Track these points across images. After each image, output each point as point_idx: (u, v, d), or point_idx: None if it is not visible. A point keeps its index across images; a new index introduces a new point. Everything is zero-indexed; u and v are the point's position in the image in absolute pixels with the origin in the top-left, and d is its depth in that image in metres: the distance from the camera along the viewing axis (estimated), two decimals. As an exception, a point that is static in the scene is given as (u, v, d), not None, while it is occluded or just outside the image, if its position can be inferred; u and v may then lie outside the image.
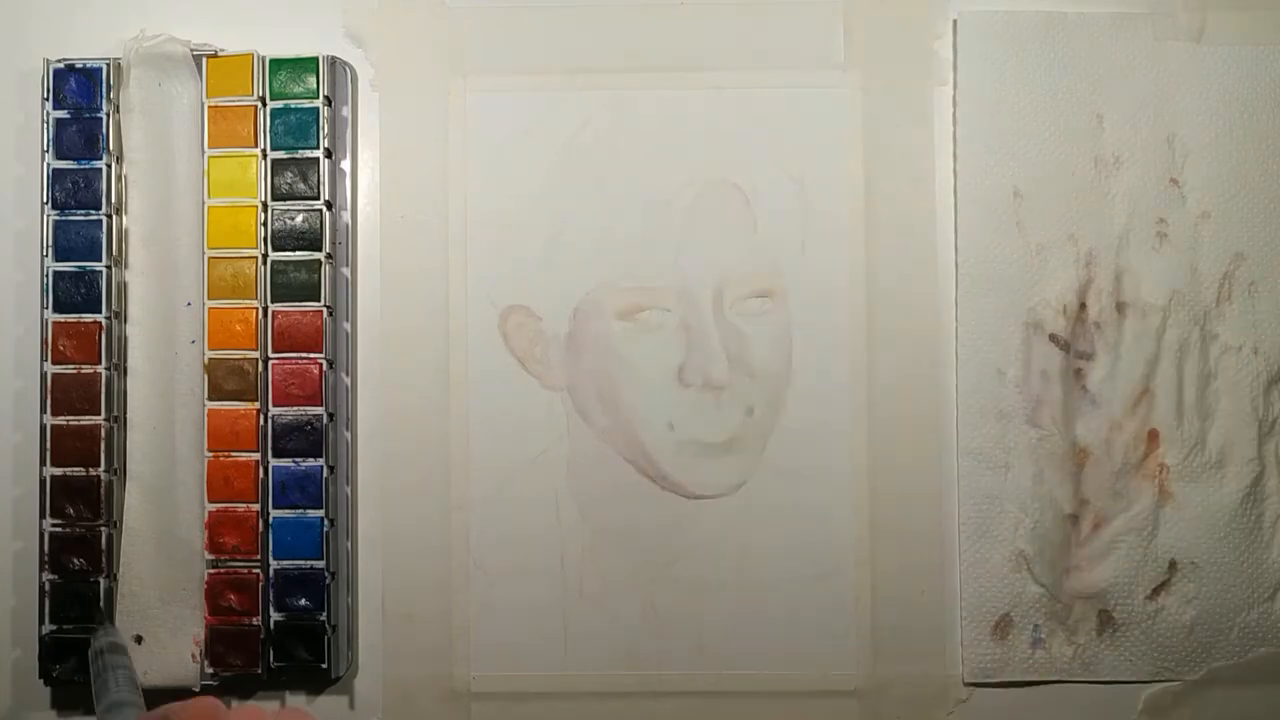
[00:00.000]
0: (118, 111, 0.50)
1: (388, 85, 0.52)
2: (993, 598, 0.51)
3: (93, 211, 0.50)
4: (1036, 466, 0.51)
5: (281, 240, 0.50)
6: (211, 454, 0.49)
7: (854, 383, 0.51)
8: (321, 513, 0.49)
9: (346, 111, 0.52)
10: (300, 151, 0.50)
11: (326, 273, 0.50)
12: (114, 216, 0.50)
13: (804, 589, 0.51)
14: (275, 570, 0.49)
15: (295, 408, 0.49)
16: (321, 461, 0.49)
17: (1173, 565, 0.51)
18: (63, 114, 0.50)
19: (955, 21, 0.52)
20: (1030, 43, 0.52)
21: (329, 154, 0.50)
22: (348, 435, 0.51)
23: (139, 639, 0.49)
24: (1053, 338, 0.51)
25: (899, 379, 0.51)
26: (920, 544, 0.51)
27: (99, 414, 0.49)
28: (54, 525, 0.49)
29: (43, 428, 0.49)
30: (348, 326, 0.52)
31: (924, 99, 0.52)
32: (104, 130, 0.50)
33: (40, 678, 0.49)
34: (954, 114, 0.52)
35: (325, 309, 0.50)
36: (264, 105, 0.50)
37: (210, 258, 0.50)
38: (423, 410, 0.51)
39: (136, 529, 0.49)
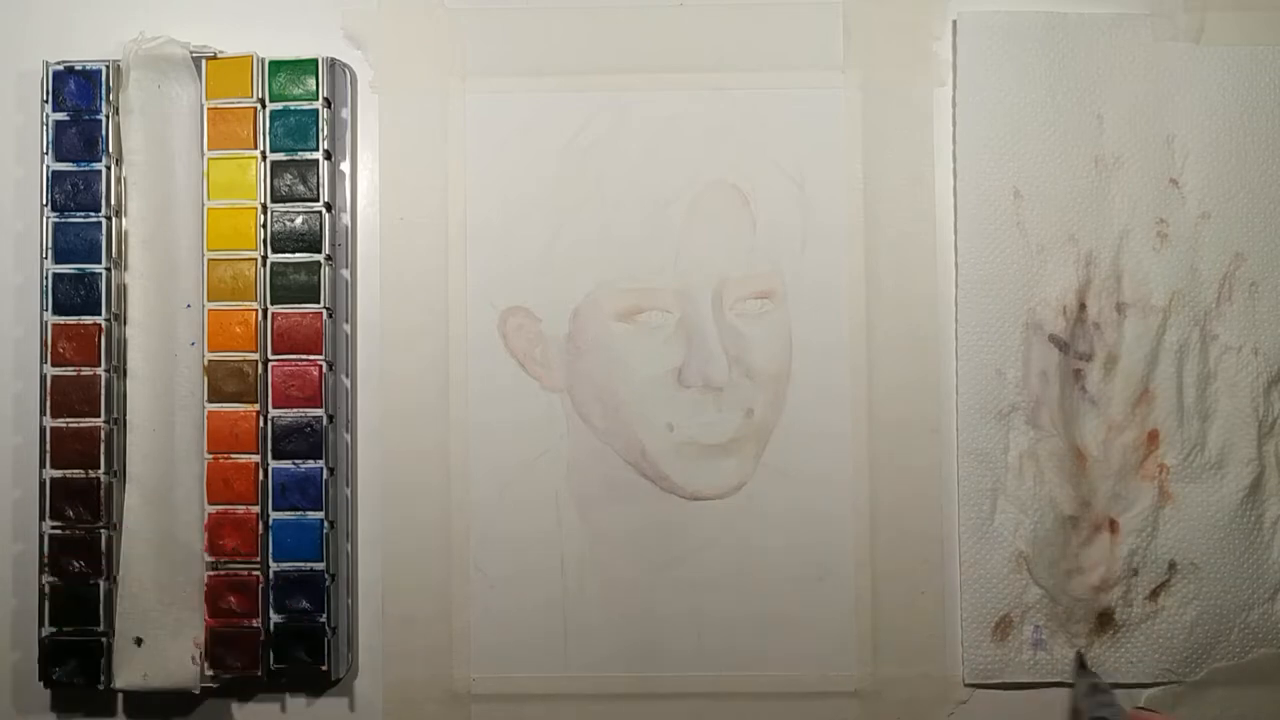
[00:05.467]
0: (117, 113, 0.50)
1: (387, 87, 0.52)
2: (993, 598, 0.51)
3: (92, 213, 0.50)
4: (1036, 467, 0.51)
5: (281, 242, 0.50)
6: (211, 456, 0.49)
7: (854, 383, 0.51)
8: (321, 515, 0.49)
9: (346, 113, 0.52)
10: (300, 153, 0.50)
11: (326, 274, 0.50)
12: (113, 219, 0.50)
13: (804, 589, 0.51)
14: (275, 572, 0.49)
15: (295, 410, 0.49)
16: (321, 463, 0.49)
17: (1173, 566, 0.51)
18: (62, 116, 0.50)
19: (955, 22, 0.52)
20: (1030, 43, 0.51)
21: (328, 156, 0.50)
22: (347, 437, 0.51)
23: (139, 641, 0.49)
24: (1052, 338, 0.51)
25: (899, 379, 0.51)
26: (920, 544, 0.51)
27: (99, 416, 0.49)
28: (54, 527, 0.49)
29: (42, 430, 0.49)
30: (347, 328, 0.52)
31: (924, 99, 0.52)
32: (103, 132, 0.50)
33: (40, 680, 0.49)
34: (954, 114, 0.52)
35: (325, 311, 0.50)
36: (263, 107, 0.50)
37: (210, 260, 0.50)
38: (422, 412, 0.51)
39: (136, 531, 0.49)
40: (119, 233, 0.50)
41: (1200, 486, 0.51)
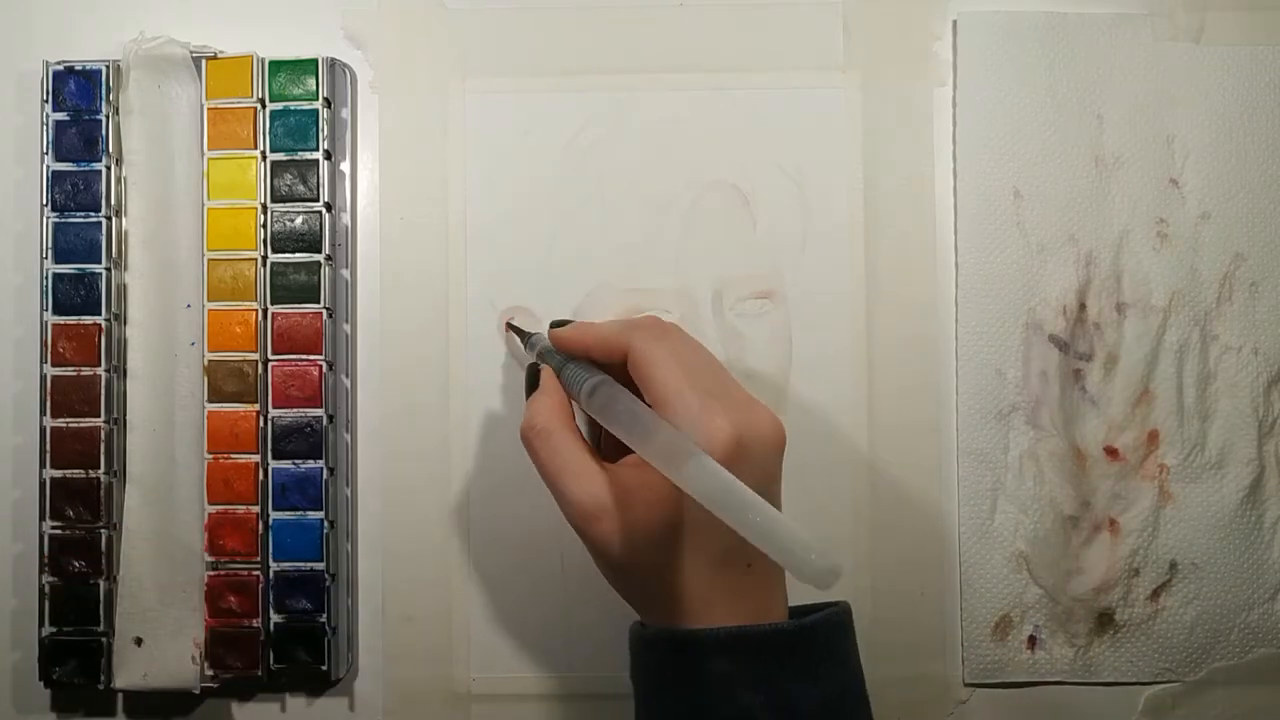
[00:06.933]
0: (117, 113, 0.50)
1: (387, 87, 0.52)
2: (993, 598, 0.51)
3: (92, 213, 0.50)
4: (1036, 467, 0.51)
5: (281, 242, 0.50)
6: (211, 456, 0.49)
7: (854, 383, 0.51)
8: (321, 514, 0.49)
9: (346, 113, 0.52)
10: (300, 153, 0.50)
11: (326, 274, 0.50)
12: (113, 218, 0.50)
13: (804, 589, 0.51)
14: (275, 572, 0.49)
15: (295, 410, 0.49)
16: (321, 463, 0.49)
17: (1173, 566, 0.51)
18: (62, 116, 0.50)
19: (955, 22, 0.52)
20: (1030, 43, 0.51)
21: (328, 156, 0.50)
22: (347, 437, 0.51)
23: (139, 641, 0.49)
24: (1052, 338, 0.51)
25: (898, 379, 0.51)
26: (920, 544, 0.51)
27: (99, 416, 0.49)
28: (54, 527, 0.49)
29: (42, 430, 0.49)
30: (347, 328, 0.52)
31: (924, 99, 0.52)
32: (103, 132, 0.50)
33: (40, 680, 0.49)
34: (954, 114, 0.52)
35: (325, 311, 0.50)
36: (263, 107, 0.50)
37: (210, 260, 0.50)
38: (423, 412, 0.51)
39: (136, 531, 0.49)
40: (119, 233, 0.50)
41: (1200, 486, 0.51)
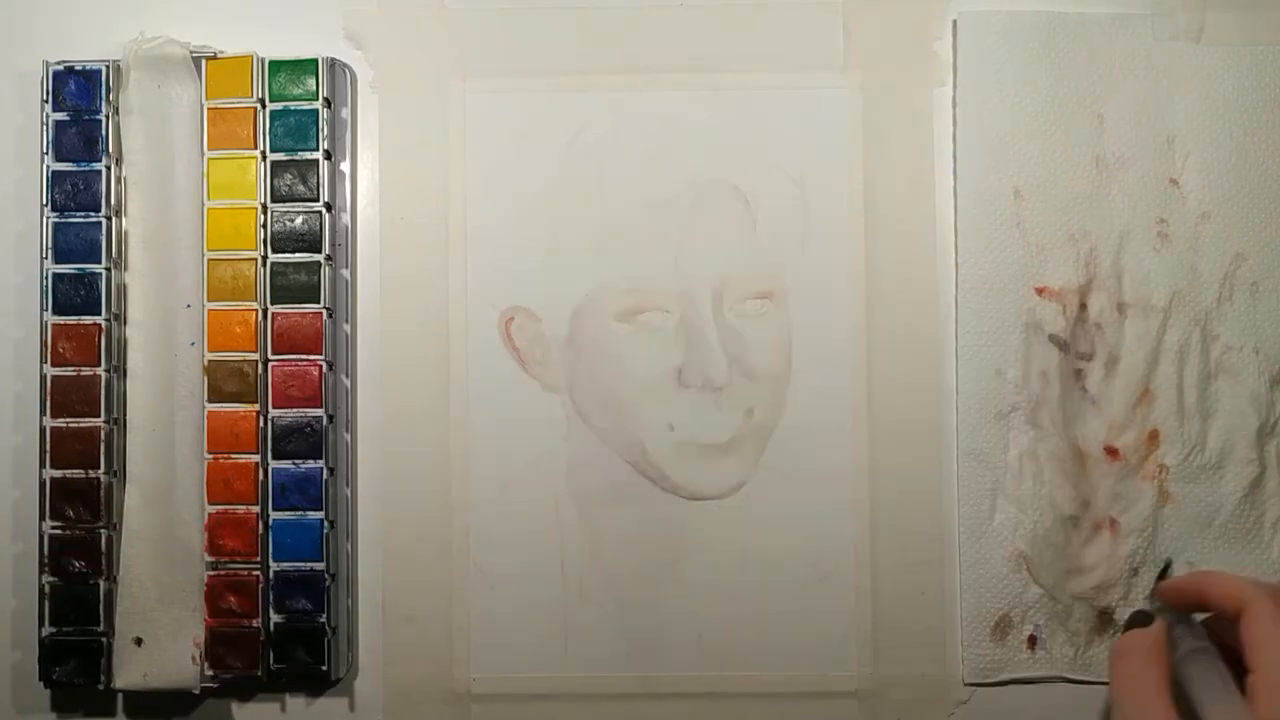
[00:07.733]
0: (117, 113, 0.50)
1: (387, 87, 0.52)
2: (993, 598, 0.51)
3: (92, 213, 0.50)
4: (1036, 467, 0.51)
5: (281, 242, 0.50)
6: (211, 456, 0.49)
7: (853, 383, 0.51)
8: (321, 514, 0.49)
9: (346, 113, 0.52)
10: (300, 153, 0.50)
11: (326, 274, 0.50)
12: (113, 218, 0.50)
13: (804, 589, 0.51)
14: (275, 572, 0.49)
15: (295, 410, 0.49)
16: (321, 463, 0.49)
17: (1172, 566, 0.51)
18: (62, 116, 0.50)
19: (955, 22, 0.52)
20: (1030, 43, 0.51)
21: (328, 156, 0.50)
22: (347, 437, 0.51)
23: (139, 641, 0.49)
24: (1052, 338, 0.51)
25: (898, 379, 0.51)
26: (920, 544, 0.51)
27: (99, 416, 0.49)
28: (54, 527, 0.49)
29: (42, 430, 0.49)
30: (347, 328, 0.52)
31: (924, 99, 0.52)
32: (103, 132, 0.50)
33: (40, 680, 0.49)
34: (954, 114, 0.52)
35: (325, 311, 0.50)
36: (263, 107, 0.50)
37: (210, 260, 0.50)
38: (423, 412, 0.51)
39: (136, 531, 0.49)
40: (119, 233, 0.50)
41: (1200, 486, 0.51)
